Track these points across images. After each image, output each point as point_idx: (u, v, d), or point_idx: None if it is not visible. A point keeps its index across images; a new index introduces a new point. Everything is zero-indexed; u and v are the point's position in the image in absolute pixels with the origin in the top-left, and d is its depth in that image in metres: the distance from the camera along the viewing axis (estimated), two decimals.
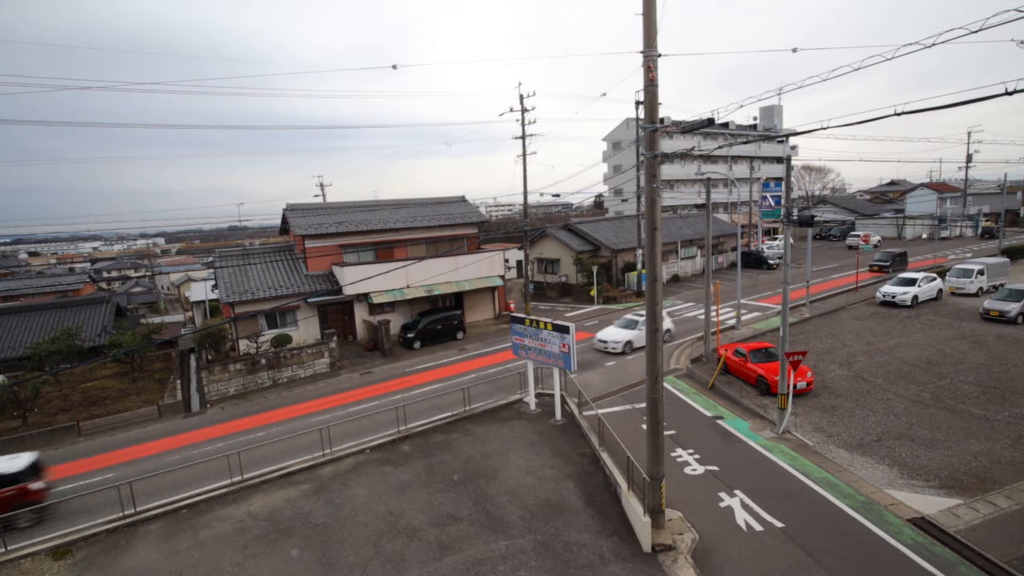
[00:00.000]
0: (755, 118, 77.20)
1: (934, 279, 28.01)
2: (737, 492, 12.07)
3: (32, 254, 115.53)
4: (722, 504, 11.69)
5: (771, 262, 42.00)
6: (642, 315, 23.32)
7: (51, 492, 13.75)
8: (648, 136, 9.52)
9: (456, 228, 31.87)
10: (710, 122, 9.16)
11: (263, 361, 22.71)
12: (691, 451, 14.13)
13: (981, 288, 28.36)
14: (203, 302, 40.73)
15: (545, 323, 15.94)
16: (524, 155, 30.71)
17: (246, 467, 13.91)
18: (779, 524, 10.85)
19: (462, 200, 35.05)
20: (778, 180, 46.19)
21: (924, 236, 54.52)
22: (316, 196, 46.25)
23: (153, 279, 66.37)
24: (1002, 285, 27.87)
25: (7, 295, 43.10)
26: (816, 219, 54.83)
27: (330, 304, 27.63)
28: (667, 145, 57.14)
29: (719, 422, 15.92)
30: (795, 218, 15.98)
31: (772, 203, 41.84)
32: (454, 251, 30.47)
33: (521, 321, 16.79)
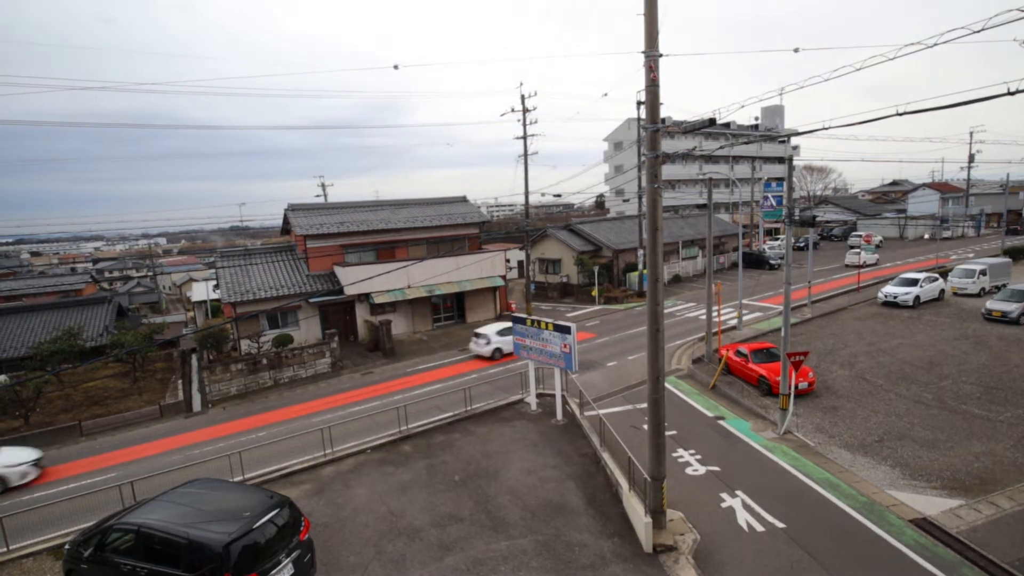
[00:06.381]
0: (757, 118, 77.15)
1: (936, 279, 27.95)
2: (739, 493, 12.05)
3: (34, 254, 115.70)
4: (723, 505, 11.67)
5: (772, 262, 41.95)
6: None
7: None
8: (649, 136, 9.51)
9: (457, 228, 31.87)
10: (711, 122, 9.14)
11: (264, 361, 22.72)
12: (692, 451, 14.11)
13: (983, 288, 28.30)
14: (205, 302, 40.78)
15: (546, 323, 15.93)
16: (526, 155, 30.73)
17: (247, 467, 13.91)
18: (780, 525, 10.83)
19: (463, 200, 35.07)
20: (780, 180, 46.17)
21: (926, 236, 54.45)
22: (317, 196, 46.37)
23: (155, 279, 66.44)
24: (1004, 285, 27.77)
25: (9, 295, 43.14)
26: (818, 219, 54.83)
27: (331, 304, 27.65)
28: (668, 145, 57.14)
29: (720, 422, 15.90)
30: (797, 218, 15.96)
31: (774, 203, 41.80)
32: (455, 251, 30.48)
33: (522, 321, 16.79)
